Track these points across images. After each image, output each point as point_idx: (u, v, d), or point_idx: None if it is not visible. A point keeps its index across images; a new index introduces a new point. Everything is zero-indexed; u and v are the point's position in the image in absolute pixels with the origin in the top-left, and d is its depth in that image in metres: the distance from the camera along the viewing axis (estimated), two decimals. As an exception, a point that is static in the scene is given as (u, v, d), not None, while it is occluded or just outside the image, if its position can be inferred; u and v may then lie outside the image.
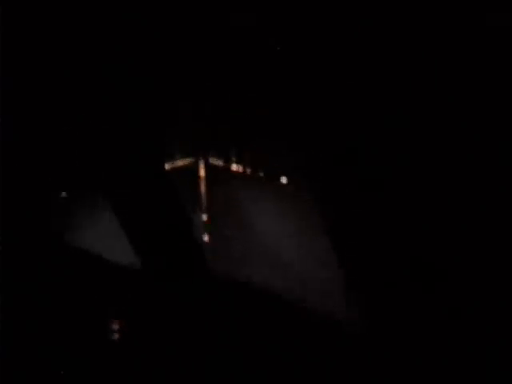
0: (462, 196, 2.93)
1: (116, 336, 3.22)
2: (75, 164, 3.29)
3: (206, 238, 3.28)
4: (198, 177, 3.30)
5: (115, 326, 3.22)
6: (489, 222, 2.90)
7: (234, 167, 3.27)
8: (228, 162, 3.29)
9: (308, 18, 2.95)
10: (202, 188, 3.30)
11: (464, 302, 2.91)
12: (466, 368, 2.87)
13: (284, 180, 3.23)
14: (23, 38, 3.06)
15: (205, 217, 3.30)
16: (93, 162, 3.21)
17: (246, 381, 3.12)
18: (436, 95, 2.90)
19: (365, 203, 3.05)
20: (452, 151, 2.93)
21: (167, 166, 3.27)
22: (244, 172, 3.27)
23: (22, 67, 3.12)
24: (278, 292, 3.19)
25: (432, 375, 2.91)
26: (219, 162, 3.29)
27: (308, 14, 2.95)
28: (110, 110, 3.13)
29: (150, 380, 3.16)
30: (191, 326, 3.19)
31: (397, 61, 2.92)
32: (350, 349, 3.10)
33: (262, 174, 3.26)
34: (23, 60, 3.11)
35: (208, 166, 3.30)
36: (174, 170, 3.30)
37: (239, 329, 3.18)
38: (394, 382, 2.98)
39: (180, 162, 3.31)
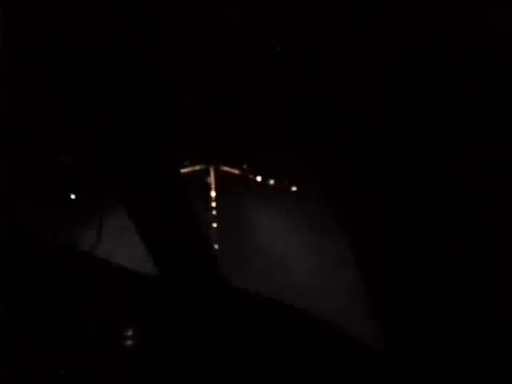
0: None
1: (128, 343, 2.99)
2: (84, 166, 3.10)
3: (216, 246, 3.19)
4: (208, 184, 3.23)
5: (127, 333, 3.00)
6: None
7: (246, 175, 3.25)
8: (240, 169, 3.25)
9: (310, 16, 3.05)
10: (213, 196, 3.22)
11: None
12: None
13: (295, 188, 3.25)
14: (23, 37, 2.92)
15: (215, 225, 3.21)
16: (104, 166, 3.05)
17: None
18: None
19: (377, 211, 3.14)
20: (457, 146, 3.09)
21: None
22: (255, 180, 3.25)
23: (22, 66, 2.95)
24: (290, 301, 3.15)
25: None
26: (230, 170, 3.25)
27: (309, 13, 3.05)
28: (114, 112, 3.02)
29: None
30: (203, 334, 3.05)
31: (398, 57, 3.06)
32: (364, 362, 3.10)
33: (272, 182, 3.26)
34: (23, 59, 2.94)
35: (219, 174, 3.24)
36: (183, 176, 3.20)
37: (251, 337, 3.09)
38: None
39: (189, 169, 3.23)
